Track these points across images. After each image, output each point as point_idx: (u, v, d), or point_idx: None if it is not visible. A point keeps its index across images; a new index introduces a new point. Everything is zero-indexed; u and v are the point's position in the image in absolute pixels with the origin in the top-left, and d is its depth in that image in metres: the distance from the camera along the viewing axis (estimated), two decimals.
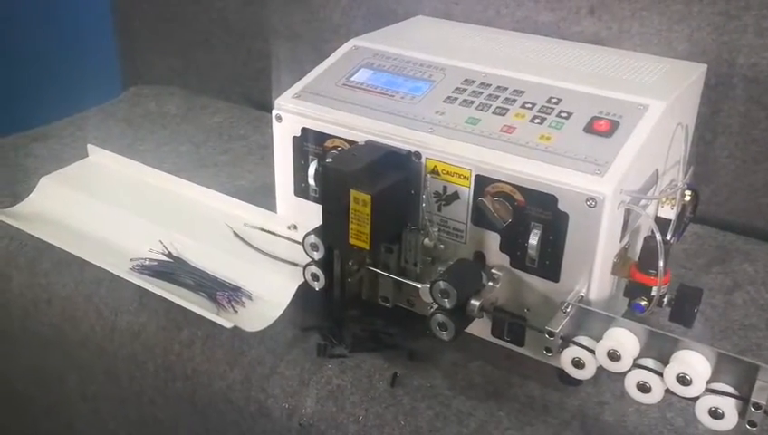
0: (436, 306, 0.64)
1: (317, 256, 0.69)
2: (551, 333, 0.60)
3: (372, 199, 0.62)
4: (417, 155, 0.67)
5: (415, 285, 0.68)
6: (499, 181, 0.64)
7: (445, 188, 0.67)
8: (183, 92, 1.35)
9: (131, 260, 0.77)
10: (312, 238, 0.69)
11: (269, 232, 0.79)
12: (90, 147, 0.95)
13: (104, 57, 1.48)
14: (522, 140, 0.65)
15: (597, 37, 1.04)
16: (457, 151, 0.65)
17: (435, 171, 0.67)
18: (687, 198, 0.73)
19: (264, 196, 0.95)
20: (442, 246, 0.68)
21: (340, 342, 0.73)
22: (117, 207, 0.84)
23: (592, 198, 0.60)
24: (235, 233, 0.80)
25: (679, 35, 0.98)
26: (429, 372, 0.70)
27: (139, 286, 0.73)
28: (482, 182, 0.64)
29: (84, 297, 0.83)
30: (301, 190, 0.77)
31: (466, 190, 0.65)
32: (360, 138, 0.70)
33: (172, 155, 1.10)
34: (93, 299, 0.82)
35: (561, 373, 0.66)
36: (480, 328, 0.69)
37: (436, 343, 0.72)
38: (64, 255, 0.80)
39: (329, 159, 0.64)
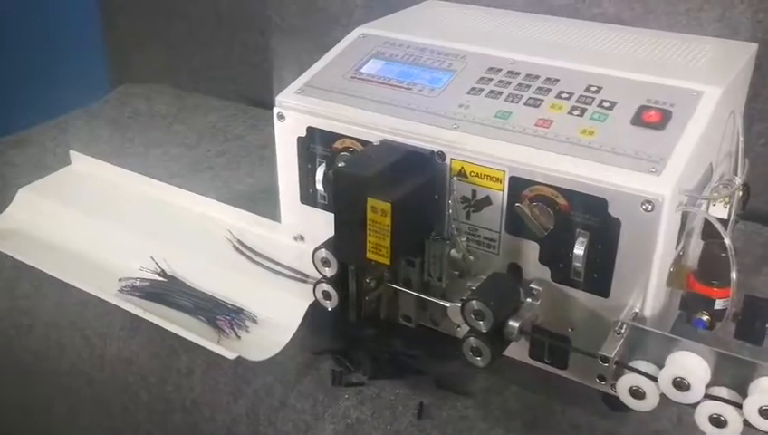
0: (467, 329, 0.56)
1: (329, 272, 0.61)
2: (605, 359, 0.52)
3: (392, 208, 0.54)
4: (441, 155, 0.59)
5: (442, 303, 0.60)
6: (538, 183, 0.55)
7: (474, 192, 0.58)
8: (174, 91, 1.28)
9: (120, 280, 0.69)
10: (323, 253, 0.61)
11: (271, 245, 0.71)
12: (72, 153, 0.87)
13: (89, 54, 1.39)
14: (561, 135, 0.57)
15: (618, 18, 0.96)
16: (488, 150, 0.57)
17: (462, 173, 0.58)
18: (739, 194, 0.65)
19: (265, 202, 0.87)
20: (471, 257, 0.60)
21: (356, 367, 0.65)
22: (103, 220, 0.76)
23: (649, 201, 0.52)
24: (235, 246, 0.71)
25: (710, 14, 0.90)
26: (460, 401, 0.62)
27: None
28: (518, 185, 0.56)
29: (69, 322, 0.75)
30: (307, 197, 0.68)
31: (499, 194, 0.57)
32: (375, 137, 0.61)
33: (164, 159, 1.03)
34: (79, 324, 0.74)
35: (607, 397, 0.58)
36: (515, 349, 0.60)
37: (465, 367, 0.64)
38: (46, 275, 0.71)
39: (341, 163, 0.56)
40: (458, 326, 0.64)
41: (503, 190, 0.57)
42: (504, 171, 0.56)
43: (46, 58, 1.40)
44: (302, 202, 0.69)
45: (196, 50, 1.32)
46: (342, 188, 0.56)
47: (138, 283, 0.68)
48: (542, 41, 0.70)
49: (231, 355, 0.58)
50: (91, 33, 1.39)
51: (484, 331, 0.55)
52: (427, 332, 0.65)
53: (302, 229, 0.70)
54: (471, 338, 0.56)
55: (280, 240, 0.71)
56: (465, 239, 0.60)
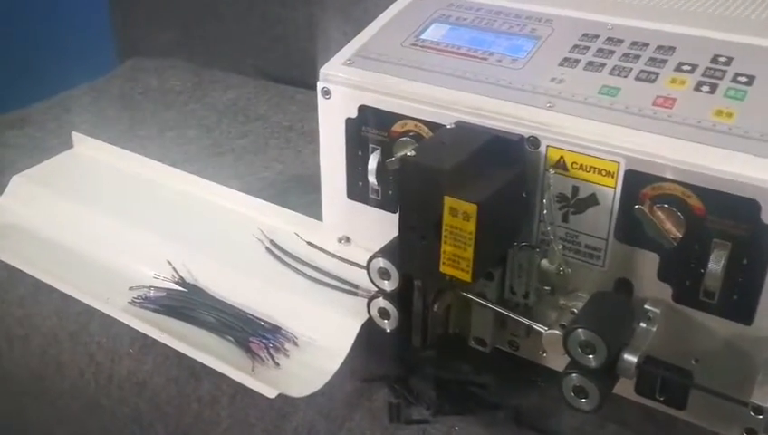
0: (568, 362, 0.45)
1: (388, 286, 0.49)
2: (758, 410, 0.40)
3: (479, 210, 0.42)
4: (534, 141, 0.47)
5: (539, 329, 0.48)
6: (665, 179, 0.43)
7: (575, 188, 0.46)
8: (188, 66, 1.16)
9: (131, 289, 0.57)
10: (381, 263, 0.49)
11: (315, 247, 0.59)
12: (75, 135, 0.75)
13: (95, 24, 1.28)
14: (690, 117, 0.45)
15: None
16: (598, 135, 0.45)
17: (561, 165, 0.46)
18: None
19: (297, 193, 0.77)
20: (567, 270, 0.48)
21: (417, 399, 0.53)
22: (109, 215, 0.64)
23: None
24: (267, 248, 0.60)
25: None
26: None
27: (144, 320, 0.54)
28: (636, 180, 0.44)
29: (70, 335, 0.63)
30: (356, 191, 0.56)
31: (610, 192, 0.45)
32: (447, 118, 0.49)
33: (179, 141, 0.91)
34: (82, 337, 0.62)
35: None
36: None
37: (549, 400, 0.53)
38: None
39: (410, 152, 0.45)
40: (544, 352, 0.53)
41: (615, 187, 0.45)
42: (619, 163, 0.44)
43: (47, 28, 1.29)
44: (350, 197, 0.57)
45: (212, 21, 1.20)
46: (412, 183, 0.44)
47: (152, 293, 0.57)
48: (643, 1, 0.57)
49: (271, 392, 0.46)
50: (96, 1, 1.27)
51: (593, 366, 0.43)
52: (499, 356, 0.54)
53: (349, 230, 0.59)
54: (574, 375, 0.44)
55: (321, 242, 0.59)
56: (560, 247, 0.48)
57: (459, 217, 0.43)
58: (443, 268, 0.45)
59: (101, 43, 1.29)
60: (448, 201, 0.43)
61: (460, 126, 0.48)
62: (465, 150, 0.45)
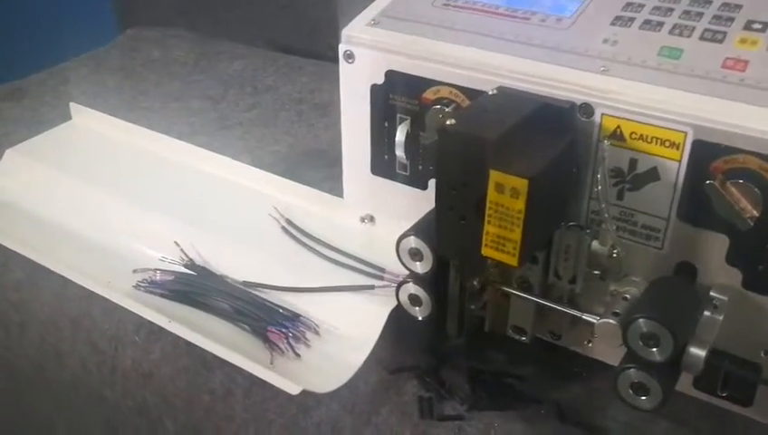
0: (624, 356, 0.40)
1: (420, 269, 0.44)
2: None
3: (531, 186, 0.37)
4: (587, 109, 0.42)
5: (589, 319, 0.43)
6: (740, 151, 0.38)
7: (633, 161, 0.41)
8: (191, 36, 1.11)
9: (135, 272, 0.52)
10: (413, 242, 0.44)
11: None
12: (73, 106, 0.70)
13: None
14: (765, 81, 0.40)
15: None
16: (660, 102, 0.40)
17: (617, 135, 0.41)
18: None
19: (311, 168, 0.72)
20: (621, 253, 0.43)
21: (450, 393, 0.49)
22: (112, 192, 0.59)
23: None
24: (284, 228, 0.55)
25: None
26: None
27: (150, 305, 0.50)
28: (706, 152, 0.39)
29: (71, 321, 0.58)
30: (381, 166, 0.52)
31: (674, 165, 0.40)
32: (487, 84, 0.44)
33: (184, 113, 0.86)
34: (83, 323, 0.58)
35: None
36: None
37: (592, 392, 0.49)
38: None
39: (449, 120, 0.40)
40: (588, 342, 0.48)
41: (679, 160, 0.40)
42: (686, 133, 0.39)
43: None
44: (374, 172, 0.52)
45: None
46: (451, 155, 0.39)
47: (158, 276, 0.52)
48: None
49: (293, 389, 0.41)
50: None
51: (659, 360, 0.38)
52: (536, 345, 0.49)
53: (373, 208, 0.54)
54: (632, 370, 0.39)
55: (342, 221, 0.54)
56: (614, 228, 0.43)
57: (506, 194, 0.38)
58: (485, 251, 0.40)
59: (100, 12, 1.24)
60: (494, 176, 0.38)
61: (503, 92, 0.43)
62: (511, 119, 0.40)
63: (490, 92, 0.43)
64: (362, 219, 0.54)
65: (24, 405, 0.65)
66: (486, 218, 0.39)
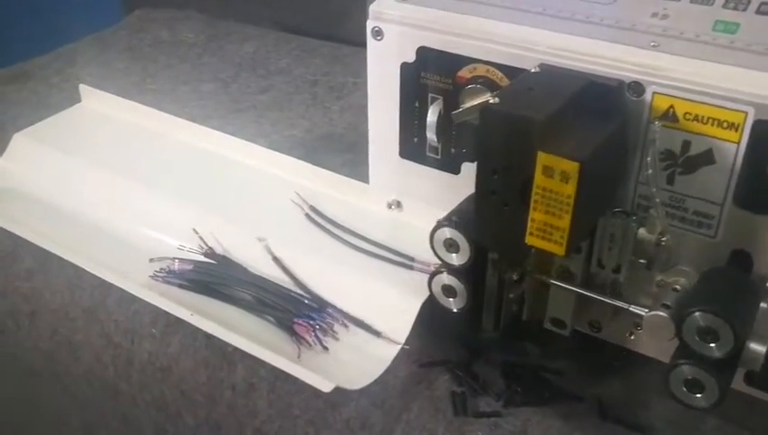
0: (677, 351, 0.38)
1: (457, 261, 0.42)
2: None
3: (582, 170, 0.34)
4: (637, 88, 0.39)
5: (637, 311, 0.41)
6: None
7: (686, 144, 0.39)
8: (200, 17, 1.08)
9: (152, 262, 0.50)
10: (448, 232, 0.42)
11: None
12: (83, 88, 0.67)
13: None
14: None
15: None
16: (719, 80, 0.37)
17: (670, 115, 0.39)
18: None
19: (329, 153, 0.70)
20: (670, 241, 0.41)
21: (484, 388, 0.47)
22: (125, 177, 0.57)
23: None
24: (307, 215, 0.52)
25: None
26: None
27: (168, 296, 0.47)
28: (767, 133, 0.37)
29: (84, 311, 0.56)
30: (411, 149, 0.49)
31: (732, 148, 0.38)
32: (528, 62, 0.42)
33: (194, 96, 0.83)
34: (98, 315, 0.56)
35: None
36: None
37: (634, 387, 0.46)
38: None
39: (494, 99, 0.37)
40: (631, 334, 0.46)
41: (738, 142, 0.37)
42: (746, 113, 0.37)
43: None
44: (403, 156, 0.50)
45: None
46: (494, 137, 0.36)
47: (176, 266, 0.50)
48: None
49: (326, 386, 0.39)
50: None
51: (717, 356, 0.36)
52: (573, 337, 0.47)
53: (400, 194, 0.51)
54: (685, 366, 0.37)
55: (367, 207, 0.52)
56: (664, 214, 0.40)
57: (555, 178, 0.35)
58: (529, 239, 0.37)
59: None
60: (543, 158, 0.35)
61: (547, 70, 0.40)
62: (557, 99, 0.37)
63: (532, 70, 0.41)
64: (389, 205, 0.52)
65: (35, 399, 0.63)
66: (532, 204, 0.37)
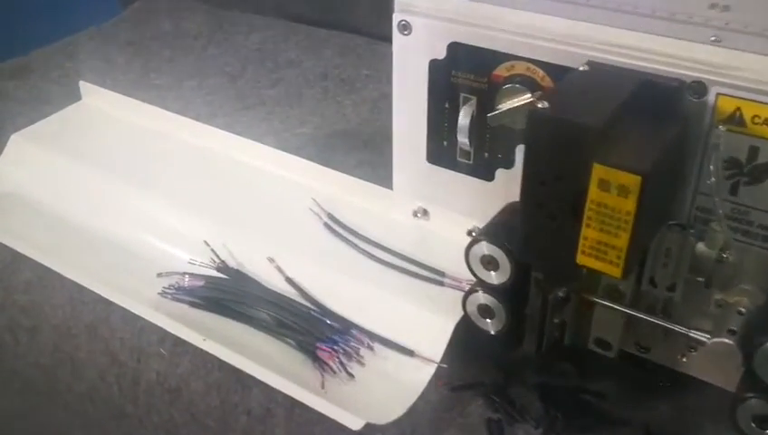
0: (743, 381, 0.34)
1: (496, 279, 0.38)
2: None
3: (644, 183, 0.31)
4: (698, 88, 0.35)
5: (700, 337, 0.37)
6: None
7: (754, 150, 0.35)
8: (203, 7, 1.04)
9: (160, 277, 0.46)
10: (486, 247, 0.38)
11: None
12: (83, 85, 0.63)
13: None
14: None
15: None
16: None
17: (736, 119, 0.35)
18: None
19: (343, 151, 0.67)
20: (732, 257, 0.37)
21: (521, 414, 0.43)
22: (130, 183, 0.53)
23: None
24: (326, 225, 0.49)
25: None
26: None
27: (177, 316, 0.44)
28: None
29: (87, 328, 0.52)
30: (439, 153, 0.45)
31: None
32: (573, 59, 0.38)
33: (201, 92, 0.80)
34: (101, 331, 0.52)
35: None
36: None
37: (682, 411, 0.43)
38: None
39: (542, 102, 0.33)
40: (683, 356, 0.42)
41: None
42: None
43: None
44: (430, 161, 0.46)
45: None
46: (543, 145, 0.32)
47: (186, 282, 0.46)
48: None
49: (356, 423, 0.35)
50: None
51: None
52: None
53: (427, 201, 0.48)
54: (754, 400, 0.33)
55: (391, 216, 0.48)
56: (726, 227, 0.37)
57: (612, 193, 0.31)
58: (581, 259, 0.34)
59: None
60: (598, 170, 0.31)
61: (596, 69, 0.36)
62: (612, 102, 0.33)
63: (580, 69, 0.37)
64: (415, 213, 0.48)
65: (36, 418, 0.60)
66: (585, 221, 0.33)
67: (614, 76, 0.36)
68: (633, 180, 0.31)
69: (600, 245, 0.33)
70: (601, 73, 0.36)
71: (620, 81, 0.35)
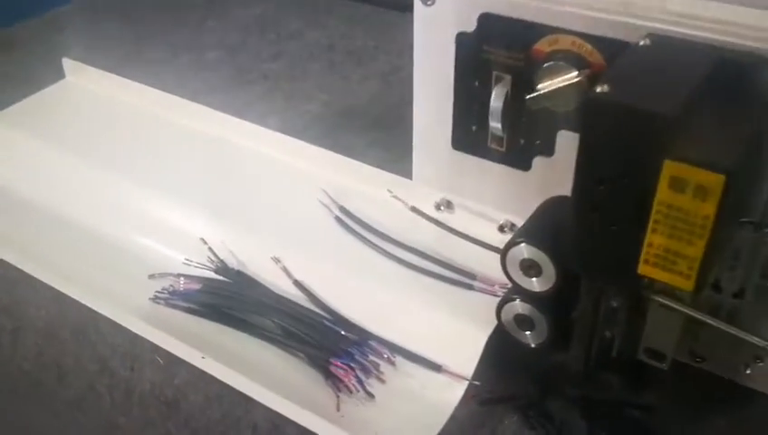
0: None
1: (538, 286, 0.33)
2: None
3: (727, 183, 0.25)
4: None
5: (758, 342, 0.32)
6: None
7: None
8: None
9: (151, 278, 0.41)
10: (526, 250, 0.33)
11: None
12: (66, 62, 0.58)
13: None
14: None
15: None
16: None
17: None
18: None
19: (352, 131, 0.64)
20: None
21: (561, 433, 0.38)
22: (117, 172, 0.48)
23: None
24: (337, 218, 0.43)
25: None
26: None
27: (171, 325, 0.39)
28: None
29: (74, 332, 0.47)
30: (467, 140, 0.40)
31: None
32: (630, 32, 0.32)
33: (197, 67, 0.75)
34: (90, 336, 0.47)
35: None
36: None
37: (740, 424, 0.39)
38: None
39: (602, 87, 0.28)
40: (747, 368, 0.37)
41: None
42: None
43: None
44: (456, 147, 0.41)
45: None
46: (604, 135, 0.27)
47: (181, 285, 0.41)
48: None
49: None
50: None
51: None
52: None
53: (452, 192, 0.42)
54: None
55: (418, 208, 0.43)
56: None
57: (687, 194, 0.26)
58: (644, 268, 0.29)
59: None
60: (671, 167, 0.26)
61: (660, 43, 0.31)
62: (684, 84, 0.28)
63: (641, 43, 0.31)
64: (438, 206, 0.43)
65: (21, 426, 0.55)
66: (651, 224, 0.28)
67: (684, 53, 0.30)
68: (714, 180, 0.26)
69: (669, 253, 0.28)
70: (668, 49, 0.31)
71: (692, 58, 0.30)
